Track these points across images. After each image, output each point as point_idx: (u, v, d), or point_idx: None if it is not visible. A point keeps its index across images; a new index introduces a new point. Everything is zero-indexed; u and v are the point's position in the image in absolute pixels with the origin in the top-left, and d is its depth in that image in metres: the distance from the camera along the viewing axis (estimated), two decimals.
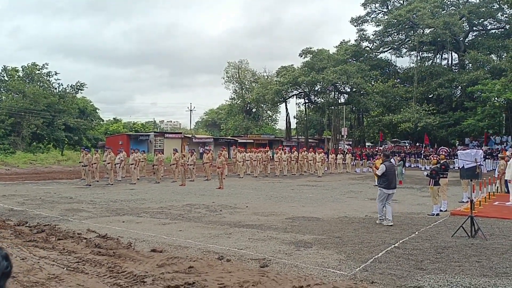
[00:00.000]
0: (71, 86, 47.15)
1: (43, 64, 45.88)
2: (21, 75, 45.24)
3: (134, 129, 59.07)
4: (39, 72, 45.71)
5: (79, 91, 48.03)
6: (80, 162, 21.87)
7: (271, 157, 30.09)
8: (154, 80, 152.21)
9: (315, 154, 28.32)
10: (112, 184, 19.61)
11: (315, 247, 7.66)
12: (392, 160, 19.20)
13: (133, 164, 21.12)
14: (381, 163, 10.32)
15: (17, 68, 45.55)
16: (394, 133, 46.75)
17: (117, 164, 21.51)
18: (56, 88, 46.69)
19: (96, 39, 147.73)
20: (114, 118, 66.18)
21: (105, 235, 8.38)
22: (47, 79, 46.34)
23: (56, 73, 46.41)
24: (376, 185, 19.76)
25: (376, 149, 37.39)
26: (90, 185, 19.12)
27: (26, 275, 5.75)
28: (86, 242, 7.75)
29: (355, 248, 7.58)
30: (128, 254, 6.91)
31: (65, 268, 6.09)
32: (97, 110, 57.47)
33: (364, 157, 32.44)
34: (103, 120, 60.76)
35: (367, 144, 50.73)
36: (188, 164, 21.54)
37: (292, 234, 8.80)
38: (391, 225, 9.68)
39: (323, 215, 11.26)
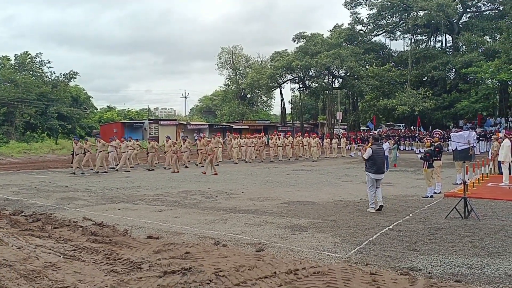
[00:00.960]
0: (63, 75, 46.85)
1: (36, 53, 45.60)
2: (12, 63, 44.76)
3: (129, 116, 58.77)
4: (31, 61, 45.22)
5: (72, 79, 47.75)
6: (71, 152, 21.76)
7: (266, 143, 30.09)
8: (148, 68, 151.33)
9: (310, 139, 28.36)
10: (106, 172, 19.59)
11: (310, 230, 7.73)
12: (386, 143, 19.28)
13: (125, 152, 21.05)
14: (368, 146, 9.91)
15: (8, 57, 45.09)
16: (389, 117, 46.84)
17: (111, 152, 21.45)
18: (48, 77, 46.30)
19: (90, 27, 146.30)
20: (108, 106, 65.81)
21: (101, 223, 8.40)
22: (40, 67, 45.90)
23: (48, 62, 46.09)
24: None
25: (371, 133, 37.50)
26: (83, 173, 19.10)
27: (23, 263, 5.77)
28: (82, 230, 7.77)
29: (350, 231, 7.65)
30: (124, 241, 6.94)
31: (61, 256, 6.12)
32: (90, 98, 57.17)
33: (358, 141, 32.57)
34: (96, 109, 60.41)
35: (362, 128, 50.83)
36: (181, 151, 21.52)
37: (288, 218, 8.87)
38: (381, 205, 9.52)
39: (318, 199, 11.33)
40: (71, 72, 47.17)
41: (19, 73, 43.19)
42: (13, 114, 39.52)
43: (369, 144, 10.07)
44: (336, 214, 9.31)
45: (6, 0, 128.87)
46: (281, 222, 8.51)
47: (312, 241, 6.95)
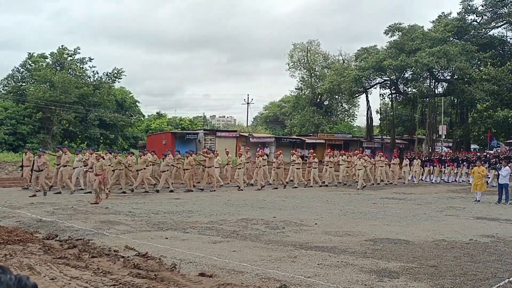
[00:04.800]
0: (106, 74, 49.07)
1: (74, 49, 48.04)
2: (50, 62, 47.73)
3: (181, 125, 60.65)
4: (71, 58, 47.93)
5: (117, 79, 49.87)
6: (22, 166, 21.35)
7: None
8: (208, 68, 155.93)
9: (355, 158, 26.96)
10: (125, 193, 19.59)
11: (403, 277, 7.53)
12: (506, 168, 18.32)
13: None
14: None
15: (45, 55, 48.09)
16: (508, 132, 44.66)
17: (76, 168, 20.77)
18: (90, 77, 48.78)
19: (147, 21, 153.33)
20: (157, 113, 68.48)
21: (146, 253, 8.69)
22: (80, 66, 48.53)
23: (90, 59, 48.54)
24: (478, 200, 18.99)
25: (484, 153, 35.95)
26: (43, 192, 18.43)
27: None
28: (123, 262, 8.08)
29: (456, 281, 7.36)
30: (172, 277, 7.13)
31: None
32: (137, 103, 59.61)
33: (448, 163, 31.20)
34: (144, 116, 62.92)
35: (472, 147, 48.80)
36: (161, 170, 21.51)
37: (373, 260, 8.69)
38: None
39: (413, 237, 11.02)
40: (115, 71, 49.27)
41: (57, 72, 45.97)
42: (50, 120, 42.06)
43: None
44: (437, 257, 8.99)
45: None
46: (365, 264, 8.36)
47: None
